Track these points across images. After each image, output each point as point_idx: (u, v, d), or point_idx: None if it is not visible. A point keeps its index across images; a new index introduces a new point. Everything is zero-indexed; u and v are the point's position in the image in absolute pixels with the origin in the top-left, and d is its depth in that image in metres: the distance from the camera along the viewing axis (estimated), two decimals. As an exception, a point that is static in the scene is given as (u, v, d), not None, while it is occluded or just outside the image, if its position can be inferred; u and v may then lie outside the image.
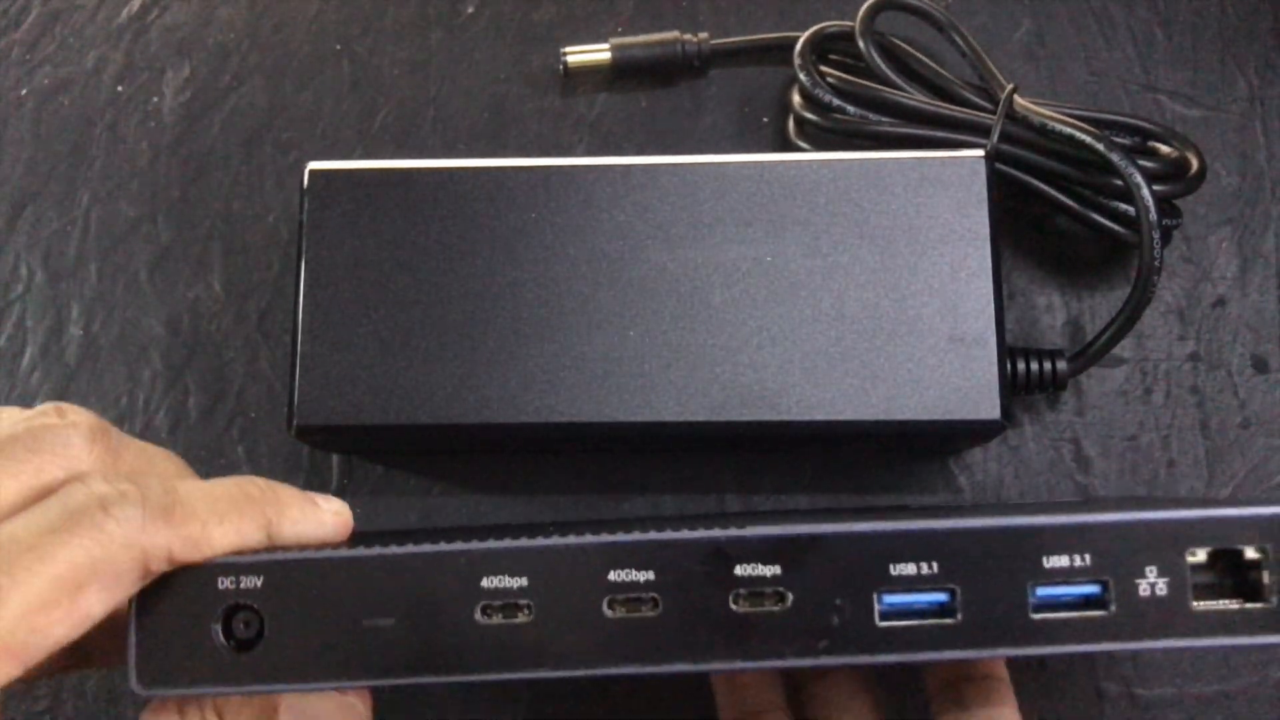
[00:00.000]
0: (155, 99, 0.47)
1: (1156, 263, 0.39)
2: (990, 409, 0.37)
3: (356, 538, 0.31)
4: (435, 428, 0.37)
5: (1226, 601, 0.28)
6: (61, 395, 0.44)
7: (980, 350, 0.37)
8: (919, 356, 0.37)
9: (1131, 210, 0.40)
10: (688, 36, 0.46)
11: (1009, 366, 0.38)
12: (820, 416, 0.37)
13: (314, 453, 0.43)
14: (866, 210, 0.38)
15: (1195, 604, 0.28)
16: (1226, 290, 0.44)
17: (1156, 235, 0.39)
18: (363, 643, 0.28)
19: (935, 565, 0.28)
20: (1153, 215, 0.38)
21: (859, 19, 0.43)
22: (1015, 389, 0.40)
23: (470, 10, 0.48)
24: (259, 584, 0.28)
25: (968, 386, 0.37)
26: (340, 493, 0.43)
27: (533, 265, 0.38)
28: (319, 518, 0.30)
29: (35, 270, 0.46)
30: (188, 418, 0.44)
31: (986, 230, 0.38)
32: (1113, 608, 0.28)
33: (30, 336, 0.45)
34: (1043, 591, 0.28)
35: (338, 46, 0.48)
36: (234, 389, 0.44)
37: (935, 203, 0.38)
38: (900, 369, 0.37)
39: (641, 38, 0.46)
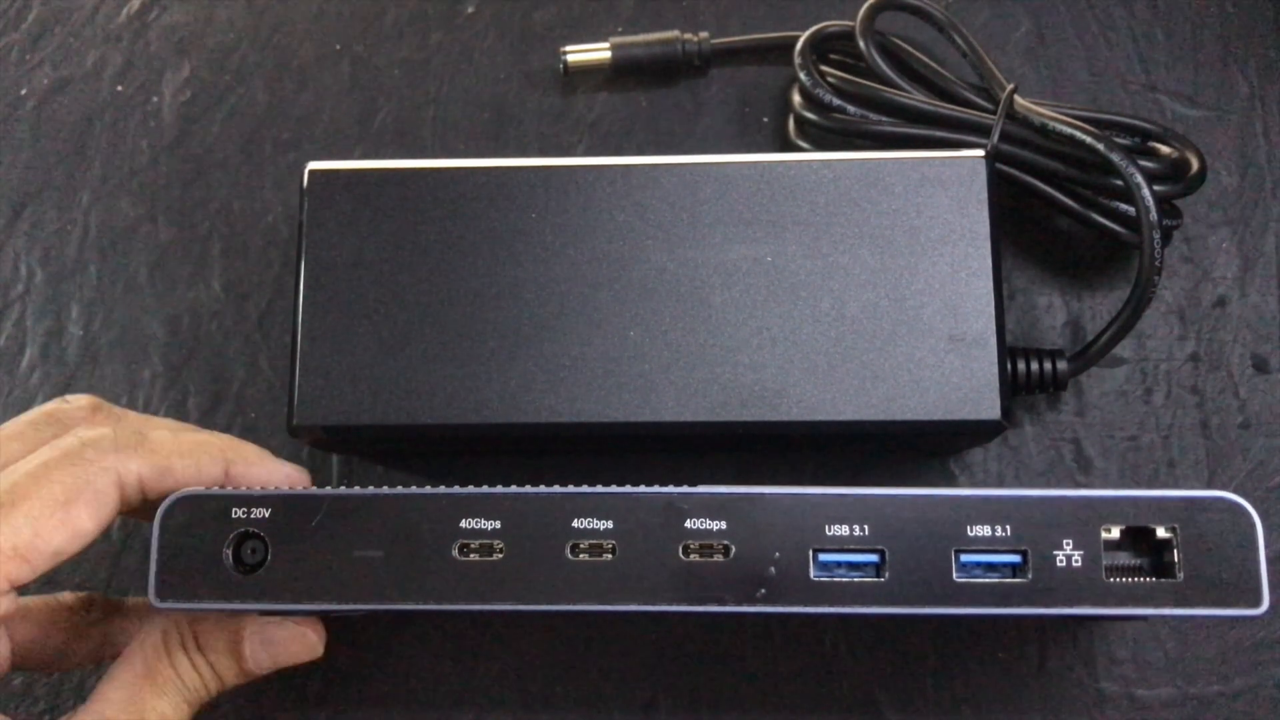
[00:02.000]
0: (155, 99, 0.47)
1: (1157, 263, 0.39)
2: (990, 409, 0.37)
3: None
4: (435, 428, 0.37)
5: (1137, 576, 0.31)
6: (61, 395, 0.44)
7: (980, 350, 0.37)
8: (919, 356, 0.37)
9: (1132, 210, 0.40)
10: (688, 36, 0.46)
11: (1009, 366, 0.38)
12: (820, 416, 0.37)
13: (314, 453, 0.43)
14: (866, 210, 0.38)
15: (1107, 576, 0.30)
16: (1226, 290, 0.44)
17: (1157, 235, 0.39)
18: (354, 572, 0.31)
19: (867, 528, 0.31)
20: (1153, 215, 0.38)
21: (859, 19, 0.43)
22: (1015, 389, 0.40)
23: (470, 10, 0.48)
24: (267, 515, 0.31)
25: (968, 386, 0.37)
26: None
27: (533, 265, 0.38)
28: (275, 467, 0.35)
29: (35, 270, 0.46)
30: (188, 418, 0.44)
31: (986, 230, 0.38)
32: (1030, 575, 0.30)
33: (30, 336, 0.45)
34: (965, 558, 0.31)
35: (338, 46, 0.48)
36: (234, 389, 0.44)
37: (935, 203, 0.38)
38: (900, 369, 0.37)
39: (642, 37, 0.46)
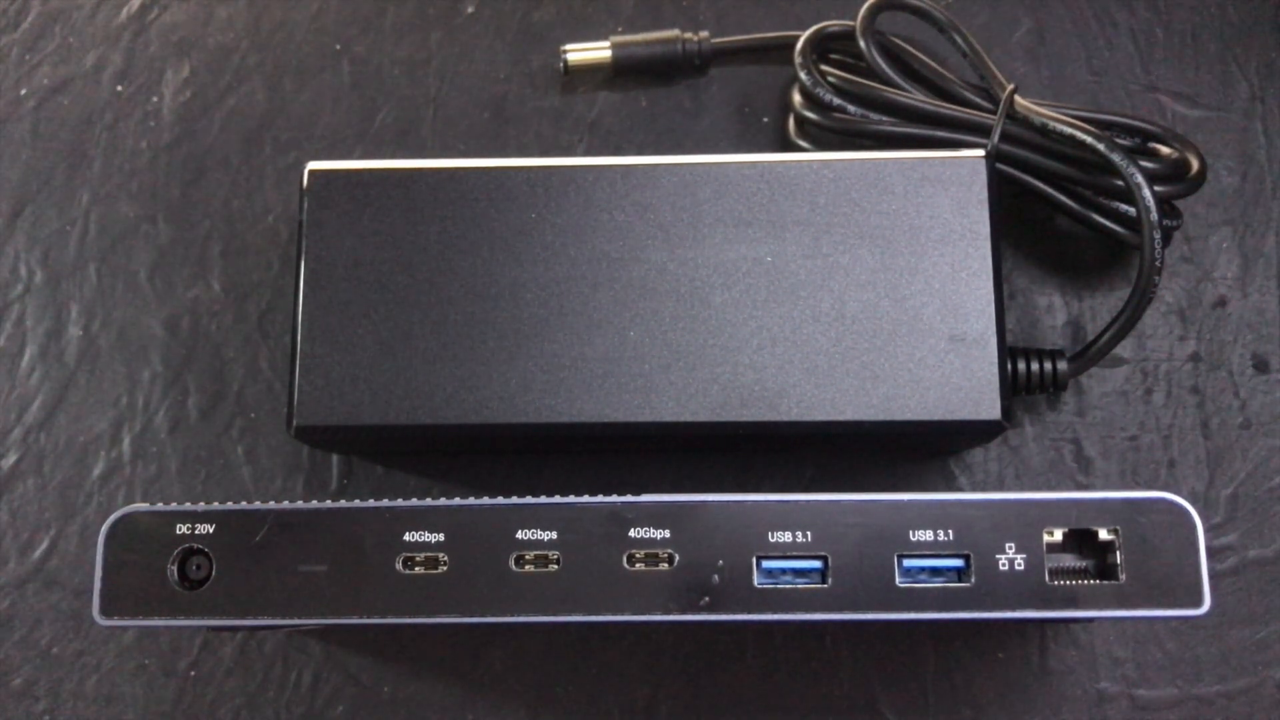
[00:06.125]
0: (155, 99, 0.47)
1: (1157, 263, 0.39)
2: (991, 409, 0.37)
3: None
4: (435, 428, 0.37)
5: (1081, 578, 0.31)
6: (61, 395, 0.44)
7: (980, 350, 0.37)
8: (919, 356, 0.37)
9: (1132, 211, 0.40)
10: (688, 35, 0.46)
11: (1009, 366, 0.38)
12: (820, 416, 0.37)
13: (314, 453, 0.43)
14: (867, 210, 0.38)
15: (1050, 579, 0.30)
16: (1227, 290, 0.44)
17: (1157, 235, 0.39)
18: (298, 586, 0.31)
19: (809, 534, 0.31)
20: (1153, 216, 0.38)
21: (859, 18, 0.43)
22: (1016, 389, 0.40)
23: (470, 10, 0.48)
24: (211, 530, 0.31)
25: (968, 386, 0.37)
26: (340, 493, 0.43)
27: (533, 265, 0.38)
28: None
29: (35, 270, 0.46)
30: (188, 418, 0.44)
31: (987, 230, 0.38)
32: (973, 579, 0.31)
33: (30, 336, 0.45)
34: (909, 563, 0.31)
35: (338, 46, 0.48)
36: (234, 389, 0.44)
37: (936, 203, 0.38)
38: (900, 369, 0.37)
39: (642, 36, 0.46)
